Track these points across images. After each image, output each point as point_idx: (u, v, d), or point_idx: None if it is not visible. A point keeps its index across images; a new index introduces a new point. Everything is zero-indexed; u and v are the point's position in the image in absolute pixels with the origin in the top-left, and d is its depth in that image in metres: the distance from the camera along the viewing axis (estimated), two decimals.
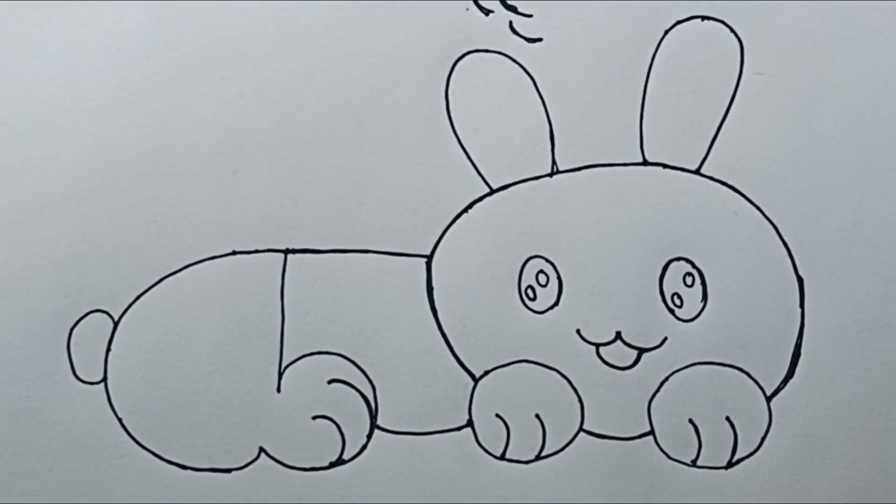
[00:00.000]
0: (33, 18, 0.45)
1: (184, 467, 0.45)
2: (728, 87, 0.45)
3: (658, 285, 0.46)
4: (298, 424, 0.45)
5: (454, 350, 0.45)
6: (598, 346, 0.46)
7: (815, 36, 0.46)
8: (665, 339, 0.46)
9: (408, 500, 0.45)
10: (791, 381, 0.46)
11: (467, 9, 0.45)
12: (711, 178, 0.46)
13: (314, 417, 0.45)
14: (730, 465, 0.46)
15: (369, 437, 0.45)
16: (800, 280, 0.46)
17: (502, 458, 0.45)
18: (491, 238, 0.46)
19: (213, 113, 0.45)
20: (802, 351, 0.46)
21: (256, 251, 0.45)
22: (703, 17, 0.45)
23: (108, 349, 0.45)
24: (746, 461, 0.46)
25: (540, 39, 0.45)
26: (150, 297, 0.45)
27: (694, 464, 0.46)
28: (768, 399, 0.46)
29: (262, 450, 0.45)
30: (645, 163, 0.46)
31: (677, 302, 0.46)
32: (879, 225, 0.45)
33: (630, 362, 0.46)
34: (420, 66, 0.45)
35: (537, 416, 0.45)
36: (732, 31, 0.45)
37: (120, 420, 0.45)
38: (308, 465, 0.45)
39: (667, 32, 0.45)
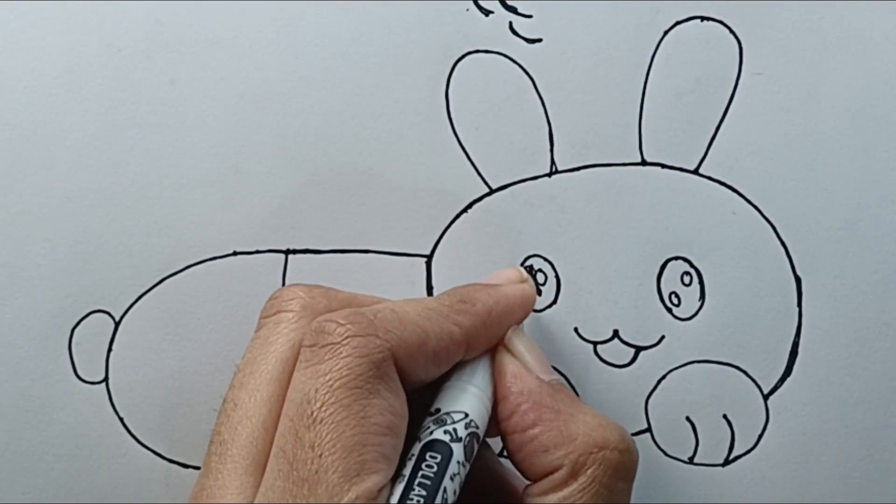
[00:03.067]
0: (33, 18, 0.45)
1: (185, 466, 0.45)
2: (727, 87, 0.46)
3: (656, 284, 0.46)
4: None
5: None
6: (595, 343, 0.46)
7: (814, 36, 0.46)
8: (662, 337, 0.46)
9: None
10: (788, 380, 0.46)
11: (467, 9, 0.45)
12: (710, 178, 0.46)
13: None
14: (727, 462, 0.46)
15: None
16: (797, 279, 0.46)
17: (500, 454, 0.45)
18: (490, 237, 0.46)
19: (213, 113, 0.45)
20: (800, 349, 0.46)
21: (257, 252, 0.45)
22: (703, 18, 0.46)
23: (110, 349, 0.45)
24: (743, 459, 0.46)
25: (540, 40, 0.45)
26: (151, 297, 0.45)
27: (691, 461, 0.46)
28: (765, 397, 0.46)
29: None
30: (643, 163, 0.46)
31: (675, 301, 0.46)
32: (877, 224, 0.46)
33: (627, 360, 0.46)
34: (420, 66, 0.45)
35: None
36: (731, 31, 0.45)
37: (121, 419, 0.45)
38: None
39: (666, 33, 0.45)
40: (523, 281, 0.44)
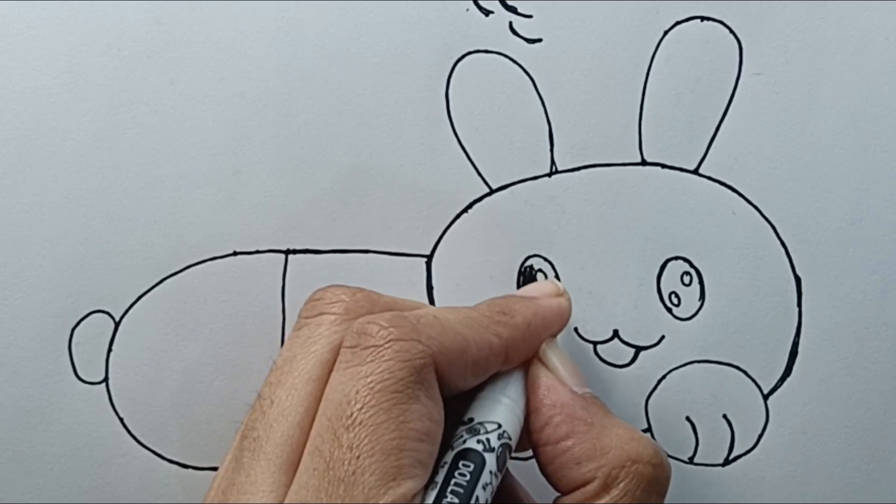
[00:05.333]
0: (33, 18, 0.45)
1: (185, 466, 0.45)
2: (727, 87, 0.46)
3: (656, 284, 0.46)
4: None
5: None
6: (595, 343, 0.46)
7: (814, 36, 0.46)
8: (662, 337, 0.46)
9: None
10: (788, 380, 0.46)
11: (467, 9, 0.45)
12: (710, 178, 0.46)
13: None
14: (727, 462, 0.46)
15: None
16: (797, 279, 0.46)
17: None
18: (490, 237, 0.46)
19: (213, 113, 0.45)
20: (799, 349, 0.46)
21: (257, 252, 0.45)
22: (703, 18, 0.46)
23: (110, 349, 0.45)
24: (743, 458, 0.46)
25: (540, 40, 0.45)
26: (152, 297, 0.45)
27: (691, 461, 0.46)
28: (765, 397, 0.46)
29: None
30: (643, 163, 0.46)
31: (675, 301, 0.46)
32: (877, 224, 0.46)
33: (627, 360, 0.46)
34: (420, 66, 0.45)
35: None
36: (731, 31, 0.46)
37: (121, 420, 0.45)
38: None
39: (666, 33, 0.45)
40: (560, 294, 0.44)
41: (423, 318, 0.38)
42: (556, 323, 0.42)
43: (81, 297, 0.45)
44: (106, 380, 0.45)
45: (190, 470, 0.45)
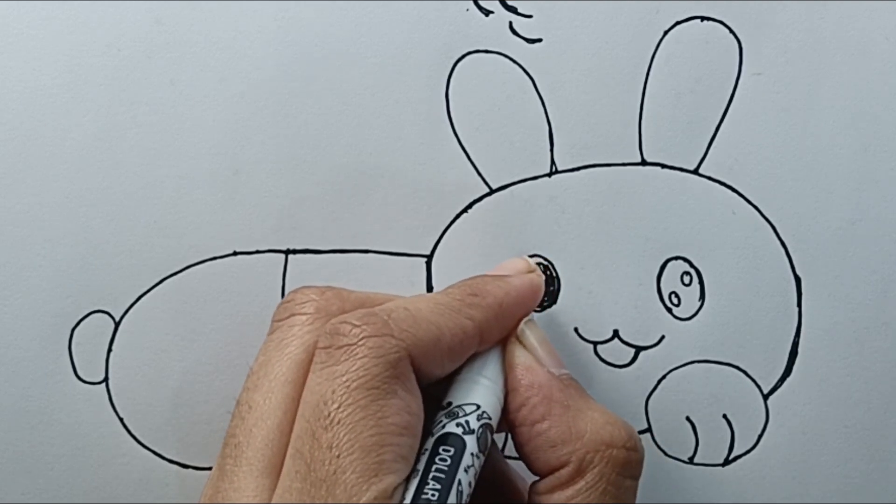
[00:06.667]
0: (33, 18, 0.45)
1: (185, 466, 0.45)
2: (727, 87, 0.46)
3: (656, 284, 0.46)
4: None
5: None
6: (595, 343, 0.46)
7: (814, 36, 0.46)
8: (662, 337, 0.46)
9: None
10: (788, 380, 0.46)
11: (467, 9, 0.45)
12: (710, 178, 0.46)
13: None
14: (727, 462, 0.46)
15: None
16: (797, 279, 0.46)
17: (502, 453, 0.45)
18: (490, 238, 0.46)
19: (213, 113, 0.45)
20: (799, 349, 0.46)
21: (257, 252, 0.45)
22: (703, 18, 0.46)
23: (110, 349, 0.45)
24: (743, 458, 0.46)
25: (540, 40, 0.45)
26: (152, 297, 0.45)
27: (691, 461, 0.46)
28: (765, 397, 0.46)
29: None
30: (643, 163, 0.46)
31: (675, 301, 0.46)
32: (877, 224, 0.46)
33: (627, 360, 0.46)
34: (420, 66, 0.45)
35: None
36: (731, 31, 0.46)
37: (121, 420, 0.45)
38: None
39: (666, 33, 0.45)
40: (531, 271, 0.44)
41: (395, 312, 0.38)
42: (528, 299, 0.42)
43: (81, 297, 0.45)
44: (106, 380, 0.45)
45: (190, 470, 0.45)
